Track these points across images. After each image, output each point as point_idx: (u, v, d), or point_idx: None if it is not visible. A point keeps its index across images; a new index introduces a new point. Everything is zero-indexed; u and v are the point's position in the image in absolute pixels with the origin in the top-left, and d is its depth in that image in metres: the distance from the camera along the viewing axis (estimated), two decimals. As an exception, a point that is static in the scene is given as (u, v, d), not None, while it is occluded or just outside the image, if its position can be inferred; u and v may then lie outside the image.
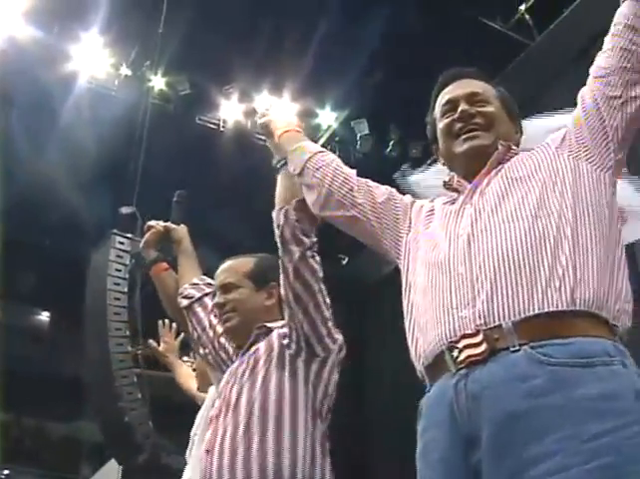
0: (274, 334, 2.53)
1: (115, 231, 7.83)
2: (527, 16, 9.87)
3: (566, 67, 7.41)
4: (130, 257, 7.73)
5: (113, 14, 9.58)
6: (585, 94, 1.97)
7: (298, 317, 2.37)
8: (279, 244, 2.44)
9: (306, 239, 2.42)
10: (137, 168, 8.80)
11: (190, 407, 4.43)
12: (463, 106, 2.10)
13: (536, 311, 1.67)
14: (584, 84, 2.01)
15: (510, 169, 1.96)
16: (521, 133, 2.18)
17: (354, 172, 2.25)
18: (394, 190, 2.24)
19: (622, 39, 1.91)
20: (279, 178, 2.56)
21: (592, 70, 1.99)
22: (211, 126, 11.24)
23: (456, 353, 1.73)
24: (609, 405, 1.55)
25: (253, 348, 2.54)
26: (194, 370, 4.24)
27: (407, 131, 11.47)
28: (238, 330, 2.64)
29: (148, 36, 9.93)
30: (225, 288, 2.73)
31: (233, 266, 2.80)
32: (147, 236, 3.20)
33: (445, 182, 2.15)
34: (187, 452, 3.61)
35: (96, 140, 9.80)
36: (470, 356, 1.71)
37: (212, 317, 2.89)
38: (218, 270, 2.82)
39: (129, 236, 7.83)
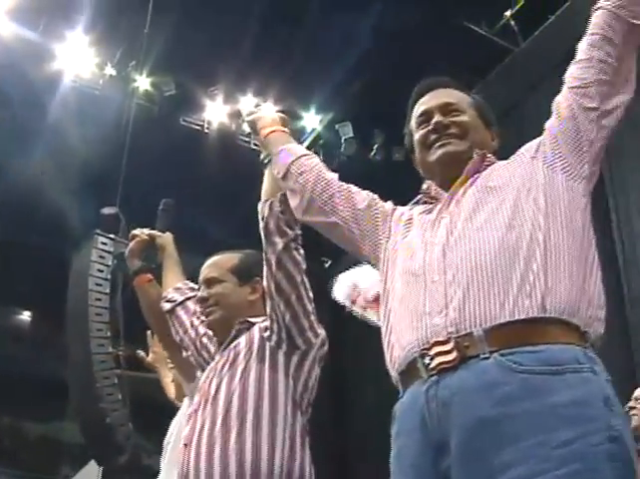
0: (255, 328, 2.54)
1: (97, 231, 7.81)
2: (513, 22, 9.92)
3: (550, 73, 7.44)
4: (112, 258, 7.71)
5: (98, 13, 9.56)
6: (561, 104, 1.99)
7: (280, 309, 2.39)
8: (263, 236, 2.46)
9: (290, 231, 2.44)
10: (120, 168, 8.77)
11: (171, 409, 4.42)
12: (437, 117, 2.13)
13: (507, 319, 1.69)
14: None
15: (486, 178, 1.98)
16: (498, 140, 2.21)
17: (336, 176, 2.26)
18: (375, 196, 2.26)
19: (599, 51, 1.93)
20: (266, 172, 2.58)
21: (567, 79, 2.00)
22: (196, 127, 11.22)
23: (427, 360, 1.75)
24: (578, 412, 1.57)
25: (234, 343, 2.55)
26: (173, 381, 4.22)
27: (391, 135, 11.49)
28: (220, 324, 2.65)
29: (133, 36, 9.90)
30: (209, 283, 2.75)
31: (218, 261, 2.82)
32: (131, 245, 3.21)
33: (422, 190, 2.17)
34: (162, 460, 3.61)
35: (80, 139, 9.76)
36: (441, 363, 1.73)
37: (194, 319, 2.90)
38: (203, 266, 2.84)
39: (111, 236, 7.81)
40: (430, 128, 2.12)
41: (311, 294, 2.48)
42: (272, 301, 2.43)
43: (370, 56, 9.86)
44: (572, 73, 1.99)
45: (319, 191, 2.20)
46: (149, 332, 4.58)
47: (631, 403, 4.72)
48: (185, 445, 2.40)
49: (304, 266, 2.47)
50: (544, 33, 8.73)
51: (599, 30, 1.95)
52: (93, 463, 7.62)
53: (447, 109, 2.14)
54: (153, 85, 10.66)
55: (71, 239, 9.32)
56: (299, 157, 2.31)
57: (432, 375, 1.74)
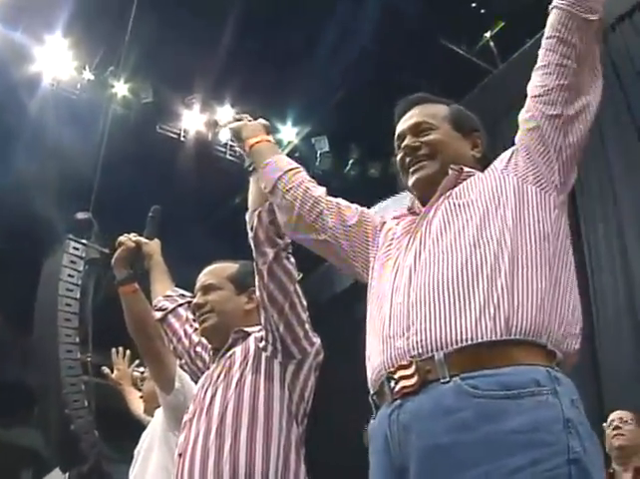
0: (251, 338, 2.52)
1: (70, 236, 7.76)
2: (492, 43, 10.01)
3: (527, 95, 7.51)
4: (84, 263, 7.66)
5: (77, 17, 9.50)
6: (526, 114, 1.96)
7: (274, 319, 2.37)
8: (253, 246, 2.43)
9: (280, 241, 2.42)
10: (95, 173, 8.72)
11: (138, 418, 4.40)
12: (407, 140, 2.13)
13: (468, 342, 1.66)
14: None
15: (458, 194, 1.96)
16: (483, 144, 2.18)
17: (324, 191, 2.23)
18: (365, 209, 2.24)
19: (555, 54, 1.89)
20: (251, 181, 2.55)
21: (530, 89, 1.97)
22: (172, 135, 11.18)
23: (392, 384, 1.74)
24: (532, 437, 1.54)
25: (230, 352, 2.52)
26: (141, 397, 4.21)
27: (366, 150, 11.53)
28: (215, 331, 2.62)
29: (112, 41, 9.87)
30: (205, 289, 2.72)
31: (216, 269, 2.81)
32: (118, 252, 3.17)
33: (408, 207, 2.16)
34: (131, 469, 3.57)
35: (56, 142, 9.68)
36: (403, 387, 1.72)
37: (187, 327, 2.88)
38: (200, 275, 2.82)
39: (83, 241, 7.77)
40: (402, 153, 2.13)
41: (304, 303, 2.47)
42: (266, 312, 2.41)
43: (349, 71, 9.89)
44: (533, 81, 1.96)
45: (308, 208, 2.17)
46: (113, 350, 4.58)
47: (615, 423, 4.78)
48: (180, 455, 2.37)
49: (296, 275, 2.46)
50: (523, 55, 8.80)
51: (554, 32, 1.91)
52: (57, 470, 7.54)
53: (417, 129, 2.12)
54: (130, 91, 10.62)
55: (41, 243, 9.24)
56: (286, 172, 2.27)
57: (396, 399, 1.73)
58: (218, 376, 2.46)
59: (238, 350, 2.50)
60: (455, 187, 2.00)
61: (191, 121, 11.21)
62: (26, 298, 8.44)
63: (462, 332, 1.67)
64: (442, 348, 1.67)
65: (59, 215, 9.33)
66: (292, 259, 2.44)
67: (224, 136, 11.43)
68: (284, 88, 10.33)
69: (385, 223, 2.19)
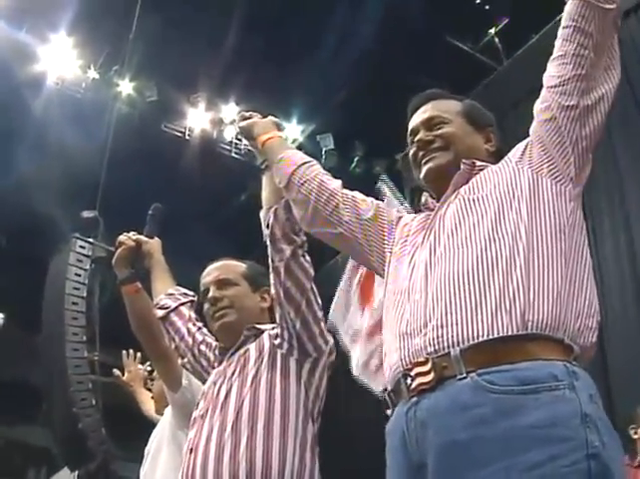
0: (265, 335, 2.50)
1: (76, 234, 7.77)
2: (497, 39, 9.98)
3: (533, 91, 7.49)
4: (90, 262, 7.67)
5: (81, 16, 9.52)
6: (541, 105, 1.93)
7: (290, 316, 2.35)
8: (269, 244, 2.41)
9: (297, 238, 2.40)
10: (101, 171, 8.73)
11: (145, 416, 4.40)
12: (420, 134, 2.10)
13: (484, 337, 1.65)
14: None
15: (471, 188, 1.94)
16: (497, 139, 2.14)
17: (339, 184, 2.21)
18: (380, 203, 2.22)
19: (573, 44, 1.86)
20: (264, 179, 2.53)
21: (545, 79, 1.94)
22: (177, 134, 11.19)
23: (409, 381, 1.74)
24: (550, 432, 1.53)
25: (243, 349, 2.50)
26: (152, 398, 4.21)
27: (372, 148, 11.53)
28: (233, 328, 2.58)
29: (116, 40, 9.89)
30: (221, 284, 2.67)
31: (229, 265, 2.77)
32: (118, 252, 3.14)
33: (422, 203, 2.13)
34: (141, 468, 3.58)
35: (62, 141, 9.70)
36: (420, 384, 1.70)
37: (190, 325, 2.84)
38: (209, 269, 2.77)
39: (90, 240, 7.77)
40: (415, 146, 2.11)
41: (320, 301, 2.45)
42: (282, 309, 2.38)
43: (353, 69, 9.88)
44: (549, 72, 1.93)
45: (323, 201, 2.15)
46: (124, 352, 4.58)
47: None
48: (191, 450, 2.35)
49: (312, 273, 2.44)
50: (528, 51, 8.78)
51: (571, 22, 1.88)
52: (66, 469, 7.55)
53: (430, 123, 2.10)
54: (135, 90, 10.64)
55: (47, 242, 9.25)
56: (299, 165, 2.25)
57: (412, 396, 1.72)
58: (232, 373, 2.44)
59: (252, 347, 2.48)
60: (467, 181, 1.97)
61: (196, 119, 11.22)
62: (32, 297, 8.45)
63: (478, 328, 1.66)
64: (458, 344, 1.67)
65: (65, 213, 9.34)
66: (308, 257, 2.42)
67: (229, 134, 11.44)
68: (289, 86, 10.33)
69: (401, 217, 2.17)
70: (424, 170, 2.07)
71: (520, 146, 1.97)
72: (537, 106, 1.95)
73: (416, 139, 2.11)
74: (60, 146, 9.67)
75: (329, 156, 11.34)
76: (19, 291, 10.81)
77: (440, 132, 2.09)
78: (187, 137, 11.22)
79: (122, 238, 3.16)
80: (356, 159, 11.65)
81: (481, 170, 1.98)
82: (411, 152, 2.13)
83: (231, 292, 2.66)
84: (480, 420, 1.58)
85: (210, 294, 2.67)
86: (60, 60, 10.13)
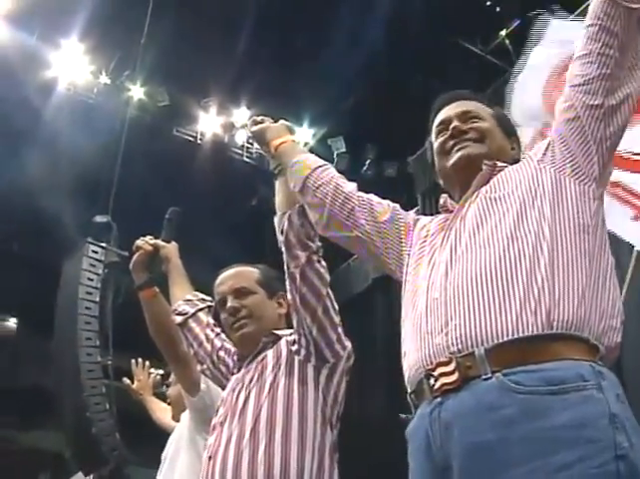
0: (282, 342, 2.47)
1: (89, 239, 7.80)
2: (507, 41, 9.97)
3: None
4: (103, 267, 7.70)
5: (93, 21, 9.55)
6: (564, 104, 1.90)
7: (307, 322, 2.33)
8: (284, 250, 2.38)
9: (311, 244, 2.37)
10: (113, 177, 8.75)
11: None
12: (454, 123, 2.06)
13: (510, 337, 1.62)
14: None
15: (492, 188, 1.91)
16: (519, 149, 2.13)
17: (354, 187, 2.18)
18: (397, 206, 2.18)
19: (598, 43, 1.83)
20: (278, 184, 2.51)
21: (569, 78, 1.91)
22: (189, 138, 11.22)
23: (432, 381, 1.70)
24: (579, 433, 1.50)
25: (261, 356, 2.49)
26: (169, 403, 4.20)
27: (383, 151, 11.52)
28: (253, 338, 2.55)
29: (128, 45, 9.91)
30: (239, 293, 2.63)
31: (243, 273, 2.72)
32: (135, 257, 3.11)
33: (440, 205, 2.10)
34: (158, 474, 3.57)
35: (73, 147, 9.73)
36: (444, 384, 1.67)
37: (209, 331, 2.82)
38: (223, 277, 2.73)
39: (103, 245, 7.81)
40: (447, 134, 2.06)
41: (336, 306, 2.43)
42: (298, 315, 2.36)
43: (364, 72, 9.88)
44: (574, 70, 1.89)
45: (339, 205, 2.12)
46: (133, 361, 4.59)
47: None
48: (210, 457, 2.34)
49: (328, 278, 2.41)
50: (539, 53, 8.75)
51: (596, 20, 1.84)
52: (80, 474, 7.58)
53: (465, 116, 2.07)
54: (147, 95, 10.67)
55: (60, 247, 9.29)
56: (314, 169, 2.22)
57: (436, 396, 1.69)
58: (251, 380, 2.42)
59: (270, 354, 2.47)
60: (488, 182, 1.94)
61: (208, 123, 11.25)
62: (45, 302, 8.48)
63: (502, 327, 1.63)
64: (482, 344, 1.64)
65: (77, 218, 9.38)
66: (323, 262, 2.40)
67: (241, 138, 11.46)
68: (300, 89, 10.34)
69: (418, 219, 2.14)
70: (455, 157, 2.02)
71: (542, 145, 1.94)
72: (560, 105, 1.92)
73: (451, 126, 2.05)
74: (72, 151, 9.69)
75: (340, 159, 11.33)
76: (31, 296, 10.85)
77: (475, 125, 2.05)
78: (199, 141, 11.24)
79: (139, 242, 3.13)
80: (367, 162, 11.64)
81: (501, 170, 1.95)
82: (440, 140, 2.09)
83: (249, 302, 2.62)
84: (507, 421, 1.55)
85: (229, 305, 2.63)
86: (71, 65, 10.17)
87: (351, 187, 2.17)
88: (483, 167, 1.97)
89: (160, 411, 4.39)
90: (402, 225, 2.11)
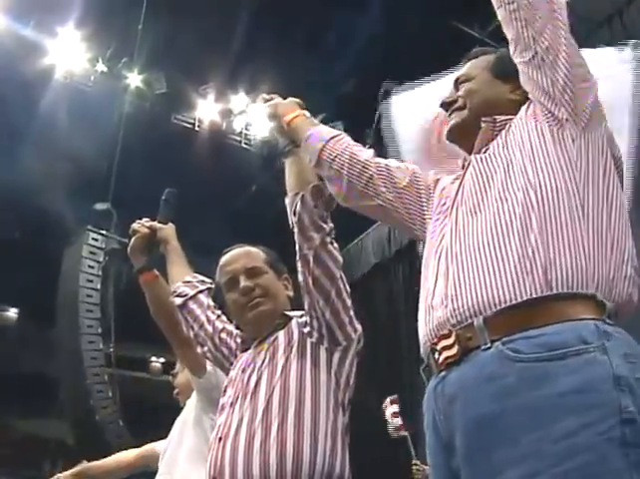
0: (293, 323, 2.45)
1: (89, 227, 7.80)
2: (505, 25, 9.93)
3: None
4: (103, 254, 7.71)
5: (89, 9, 9.52)
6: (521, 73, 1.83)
7: (319, 305, 2.29)
8: (296, 231, 2.34)
9: (325, 225, 2.33)
10: (112, 164, 8.75)
11: (162, 407, 4.41)
12: (449, 95, 2.07)
13: (507, 304, 1.56)
14: None
15: (487, 150, 1.84)
16: (521, 91, 1.91)
17: (371, 153, 2.09)
18: (416, 168, 2.10)
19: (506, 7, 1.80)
20: (288, 163, 2.47)
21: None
22: (187, 125, 11.21)
23: (437, 355, 1.66)
24: (581, 399, 1.44)
25: (272, 337, 2.47)
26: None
27: (382, 136, 11.51)
28: (269, 316, 2.50)
29: (125, 33, 9.88)
30: (251, 273, 2.57)
31: (251, 252, 2.67)
32: (133, 241, 3.08)
33: (459, 166, 2.04)
34: (160, 456, 3.56)
35: (71, 135, 9.72)
36: (447, 358, 1.63)
37: (209, 313, 2.78)
38: (232, 256, 2.68)
39: (103, 232, 7.81)
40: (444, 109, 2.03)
41: (348, 289, 2.40)
42: (311, 298, 2.32)
43: (363, 56, 9.86)
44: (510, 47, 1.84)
45: (356, 175, 2.06)
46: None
47: None
48: (220, 439, 2.32)
49: (341, 260, 2.39)
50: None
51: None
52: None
53: (457, 84, 1.98)
54: (144, 82, 10.63)
55: (59, 236, 9.29)
56: (328, 141, 2.14)
57: (441, 371, 1.64)
58: (262, 362, 2.40)
59: (281, 335, 2.44)
60: (493, 139, 1.86)
61: (206, 110, 11.23)
62: (45, 291, 8.49)
63: (499, 294, 1.57)
64: (480, 313, 1.58)
65: (77, 206, 9.37)
66: (336, 244, 2.37)
67: (239, 124, 11.45)
68: (298, 75, 10.31)
69: (439, 180, 2.06)
70: (445, 131, 2.01)
71: (528, 103, 1.83)
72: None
73: (449, 99, 2.05)
74: (70, 140, 9.68)
75: (339, 144, 11.30)
76: (32, 285, 10.86)
77: (461, 92, 2.03)
78: (197, 128, 11.22)
79: (135, 225, 3.08)
80: (367, 146, 11.59)
81: (504, 126, 1.88)
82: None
83: (263, 281, 2.57)
84: (507, 392, 1.50)
85: (243, 284, 2.56)
86: (68, 54, 10.12)
87: (367, 154, 2.09)
88: (483, 124, 1.91)
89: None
90: (422, 188, 2.03)
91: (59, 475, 3.76)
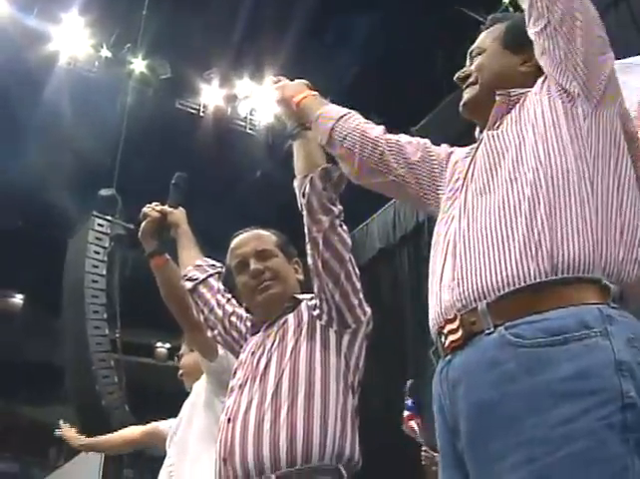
0: (302, 305, 2.45)
1: (94, 212, 7.80)
2: (511, 9, 9.88)
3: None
4: (109, 240, 7.71)
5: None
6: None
7: (329, 288, 2.30)
8: (305, 214, 2.33)
9: (334, 208, 2.33)
10: (116, 150, 8.74)
11: (168, 393, 4.42)
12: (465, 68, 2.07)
13: (511, 288, 1.54)
14: None
15: (502, 125, 1.81)
16: (533, 59, 1.86)
17: (382, 130, 2.07)
18: (427, 142, 2.08)
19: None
20: (296, 145, 2.46)
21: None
22: (191, 110, 11.19)
23: (443, 339, 1.66)
24: (581, 385, 1.42)
25: (282, 320, 2.47)
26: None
27: (387, 120, 11.44)
28: (279, 299, 2.51)
29: (129, 18, 9.86)
30: (261, 256, 2.57)
31: (262, 235, 2.67)
32: (143, 225, 3.08)
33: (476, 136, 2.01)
34: (168, 439, 3.57)
35: (75, 121, 9.71)
36: (452, 342, 1.62)
37: (220, 297, 2.78)
38: (242, 239, 2.68)
39: (108, 218, 7.81)
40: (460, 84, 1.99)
41: (357, 271, 2.40)
42: (320, 281, 2.32)
43: (367, 41, 9.83)
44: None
45: (368, 151, 2.04)
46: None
47: None
48: (230, 420, 2.32)
49: (350, 243, 2.38)
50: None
51: None
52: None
53: (471, 57, 1.94)
54: (148, 68, 10.61)
55: (65, 223, 9.30)
56: (338, 119, 2.13)
57: (447, 355, 1.64)
58: (272, 344, 2.40)
59: (290, 318, 2.44)
60: (508, 113, 1.82)
61: (210, 96, 11.21)
62: (51, 277, 8.50)
63: (503, 278, 1.56)
64: (485, 297, 1.56)
65: (82, 193, 9.37)
66: (345, 227, 2.37)
67: (243, 110, 11.43)
68: (303, 60, 10.29)
69: (452, 153, 2.04)
70: (463, 99, 1.95)
71: (542, 78, 1.79)
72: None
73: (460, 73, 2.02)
74: (75, 126, 9.68)
75: (345, 130, 11.29)
76: (38, 272, 10.87)
77: (473, 65, 2.00)
78: (202, 114, 11.21)
79: (146, 209, 3.08)
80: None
81: (517, 101, 1.80)
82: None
83: (273, 264, 2.57)
84: (508, 377, 1.49)
85: (253, 267, 2.56)
86: (72, 40, 10.10)
87: (378, 130, 2.06)
88: (497, 97, 1.86)
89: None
90: (434, 163, 2.00)
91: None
